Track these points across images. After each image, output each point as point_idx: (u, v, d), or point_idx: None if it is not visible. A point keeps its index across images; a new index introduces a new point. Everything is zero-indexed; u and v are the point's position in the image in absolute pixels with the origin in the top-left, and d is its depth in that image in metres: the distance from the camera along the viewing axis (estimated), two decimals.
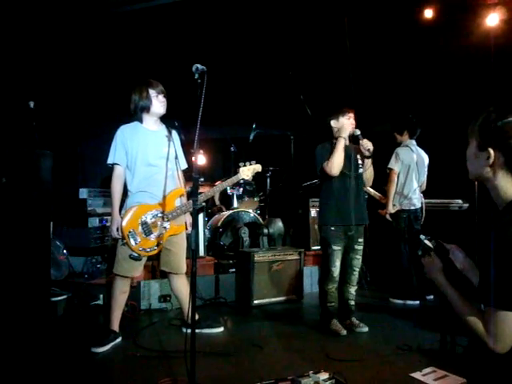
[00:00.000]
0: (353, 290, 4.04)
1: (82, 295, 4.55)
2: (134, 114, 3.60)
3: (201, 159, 6.49)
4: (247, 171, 3.77)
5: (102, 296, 4.61)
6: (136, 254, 3.47)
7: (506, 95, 4.81)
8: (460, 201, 6.04)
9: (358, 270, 4.02)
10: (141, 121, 3.61)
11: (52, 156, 4.00)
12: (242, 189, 5.97)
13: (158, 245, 3.53)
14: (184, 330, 3.78)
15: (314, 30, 5.31)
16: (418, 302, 4.90)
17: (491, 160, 1.48)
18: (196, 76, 2.67)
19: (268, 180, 6.36)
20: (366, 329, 3.94)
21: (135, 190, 3.53)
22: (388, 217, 5.00)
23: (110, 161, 3.56)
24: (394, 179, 4.93)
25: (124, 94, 6.04)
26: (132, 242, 3.45)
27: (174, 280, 3.77)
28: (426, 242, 1.80)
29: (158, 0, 4.36)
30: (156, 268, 4.69)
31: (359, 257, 3.99)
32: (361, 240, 3.98)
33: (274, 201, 6.30)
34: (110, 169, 3.60)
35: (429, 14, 4.98)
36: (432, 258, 1.74)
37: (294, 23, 5.15)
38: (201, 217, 5.15)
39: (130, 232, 3.44)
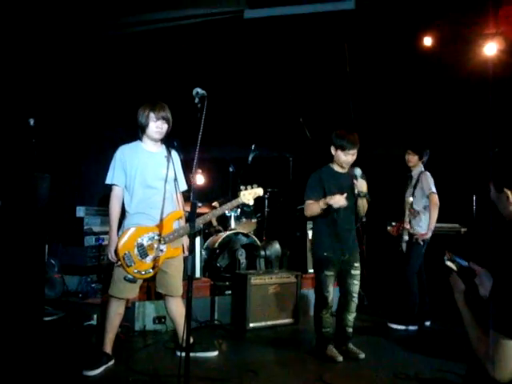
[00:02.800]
0: (351, 317, 3.94)
1: (76, 315, 4.50)
2: (138, 132, 3.60)
3: (199, 179, 6.49)
4: (248, 195, 3.68)
5: (95, 316, 4.55)
6: (131, 277, 3.43)
7: (504, 124, 4.85)
8: (457, 225, 6.05)
9: (356, 295, 3.94)
10: (141, 140, 3.60)
11: (49, 178, 3.99)
12: (239, 210, 5.95)
13: (153, 267, 3.48)
14: (178, 353, 3.71)
15: (314, 54, 5.36)
16: (416, 328, 4.85)
17: (511, 199, 1.53)
18: (196, 100, 2.68)
19: (266, 201, 6.34)
20: (362, 355, 3.85)
21: (133, 212, 3.51)
22: (420, 241, 4.84)
23: (108, 181, 3.54)
24: (438, 202, 4.78)
25: (124, 113, 6.09)
26: (127, 264, 3.40)
27: (170, 302, 3.71)
28: (449, 263, 1.79)
29: (164, 23, 4.41)
30: (151, 289, 4.65)
31: (357, 282, 3.91)
32: (357, 265, 3.90)
33: (271, 222, 6.27)
34: (108, 187, 3.59)
35: (428, 41, 5.04)
36: (454, 279, 1.74)
37: (294, 47, 5.20)
38: (197, 238, 5.12)
39: (125, 254, 3.40)
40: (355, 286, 3.90)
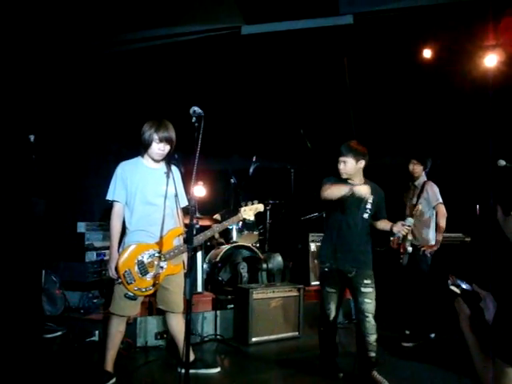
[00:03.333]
0: (370, 339, 3.61)
1: (78, 331, 4.48)
2: (140, 148, 3.58)
3: (200, 191, 6.48)
4: (249, 211, 3.72)
5: (97, 332, 4.52)
6: (131, 294, 3.42)
7: (505, 133, 4.84)
8: (461, 234, 6.01)
9: (370, 315, 3.61)
10: (142, 156, 3.60)
11: (44, 203, 4.01)
12: (241, 222, 5.94)
13: (154, 285, 3.46)
14: (179, 369, 3.69)
15: (313, 67, 5.37)
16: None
17: None
18: (193, 119, 2.67)
19: (268, 213, 6.33)
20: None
21: (133, 229, 3.49)
22: (428, 253, 4.78)
23: (109, 197, 3.53)
24: (445, 212, 4.74)
25: (124, 128, 6.10)
26: (127, 281, 3.39)
27: (171, 319, 3.69)
28: (453, 288, 1.76)
29: (162, 40, 4.43)
30: (153, 304, 4.63)
31: (369, 301, 3.61)
32: (368, 282, 3.62)
33: (273, 234, 6.25)
34: (109, 203, 3.58)
35: (427, 53, 5.03)
36: (459, 303, 1.71)
37: (293, 61, 5.21)
38: (199, 251, 5.11)
39: (125, 272, 3.39)
40: (367, 304, 3.61)
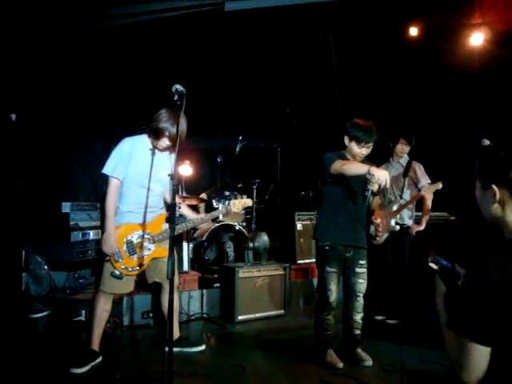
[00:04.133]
0: (358, 317, 3.62)
1: (64, 311, 4.48)
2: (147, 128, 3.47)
3: (187, 170, 6.45)
4: (238, 204, 3.77)
5: (84, 312, 4.53)
6: (118, 272, 3.44)
7: (490, 113, 4.84)
8: (446, 213, 6.06)
9: (361, 295, 3.62)
10: (149, 136, 3.48)
11: (24, 182, 3.97)
12: (227, 201, 5.92)
13: (140, 265, 3.50)
14: (166, 348, 3.72)
15: (299, 44, 5.31)
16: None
17: (497, 196, 1.47)
18: (175, 97, 2.64)
19: (254, 192, 6.32)
20: (370, 362, 3.57)
21: (125, 210, 3.48)
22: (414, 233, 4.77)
23: (108, 172, 3.39)
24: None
25: (107, 107, 6.03)
26: (115, 259, 3.42)
27: (164, 294, 3.67)
28: (431, 264, 1.78)
29: (145, 15, 4.35)
30: (140, 283, 4.64)
31: (362, 281, 3.60)
32: (363, 262, 3.60)
33: (260, 213, 6.26)
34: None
35: (414, 32, 5.00)
36: (436, 280, 1.73)
37: (278, 38, 5.15)
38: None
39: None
40: (361, 284, 3.60)
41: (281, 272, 5.10)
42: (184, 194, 5.86)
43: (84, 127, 5.99)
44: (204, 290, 4.90)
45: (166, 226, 3.53)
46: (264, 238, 5.76)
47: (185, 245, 5.10)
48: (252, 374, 3.42)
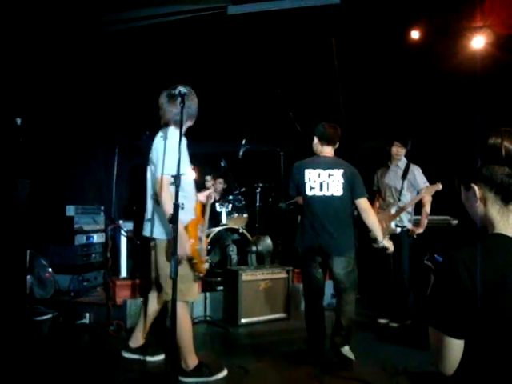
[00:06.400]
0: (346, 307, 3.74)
1: (68, 314, 4.51)
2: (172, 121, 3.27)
3: (191, 174, 6.47)
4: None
5: (87, 315, 4.56)
6: (198, 274, 3.31)
7: (492, 116, 4.84)
8: (448, 217, 6.05)
9: (345, 282, 3.70)
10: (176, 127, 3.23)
11: (29, 184, 3.99)
12: (231, 205, 5.96)
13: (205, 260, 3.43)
14: (125, 354, 3.60)
15: (301, 48, 5.33)
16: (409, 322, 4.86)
17: (478, 194, 1.48)
18: (178, 100, 2.66)
19: (258, 196, 6.35)
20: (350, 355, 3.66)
21: (189, 206, 3.26)
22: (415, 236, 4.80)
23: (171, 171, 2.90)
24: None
25: (112, 111, 6.06)
26: (201, 260, 3.29)
27: (153, 299, 3.58)
28: (427, 262, 1.81)
29: (148, 20, 4.39)
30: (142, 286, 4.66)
31: (341, 270, 3.68)
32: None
33: (263, 217, 6.28)
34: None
35: (415, 35, 5.02)
36: (431, 277, 1.75)
37: (281, 42, 5.17)
38: None
39: (198, 249, 3.28)
40: (341, 273, 3.71)
41: (284, 275, 5.11)
42: None
43: (88, 131, 6.02)
44: (207, 293, 4.92)
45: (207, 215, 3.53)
46: (267, 242, 5.77)
47: None
48: (254, 376, 3.43)
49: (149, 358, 3.62)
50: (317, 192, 3.74)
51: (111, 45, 4.94)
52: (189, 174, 3.32)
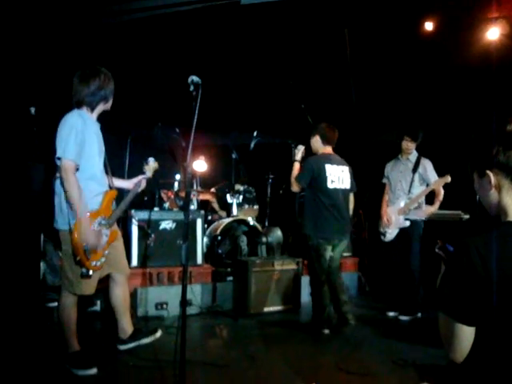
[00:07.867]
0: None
1: (79, 301, 4.54)
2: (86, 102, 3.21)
3: (202, 165, 6.51)
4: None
5: (99, 302, 4.60)
6: (85, 271, 2.99)
7: (507, 108, 4.79)
8: (460, 212, 6.01)
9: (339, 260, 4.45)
10: (86, 109, 3.23)
11: (43, 168, 4.01)
12: (241, 196, 5.97)
13: (103, 256, 3.10)
14: (121, 347, 3.51)
15: (314, 39, 5.31)
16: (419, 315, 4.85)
17: (493, 181, 1.46)
18: (191, 88, 2.67)
19: (268, 188, 6.35)
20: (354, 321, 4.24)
21: (91, 195, 3.06)
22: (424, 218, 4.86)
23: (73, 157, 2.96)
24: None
25: (124, 99, 6.07)
26: (87, 257, 2.96)
27: (117, 286, 3.42)
28: (438, 251, 1.80)
29: (160, 9, 4.40)
30: (153, 275, 4.70)
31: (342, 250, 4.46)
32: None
33: (273, 209, 6.28)
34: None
35: (429, 26, 4.98)
36: (442, 266, 1.73)
37: (293, 33, 5.16)
38: (199, 225, 5.16)
39: (85, 246, 2.95)
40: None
41: (293, 267, 5.12)
42: (199, 189, 5.93)
43: (100, 121, 6.04)
44: (217, 283, 4.95)
45: (114, 206, 3.26)
46: (277, 233, 5.79)
47: (199, 238, 5.14)
48: (262, 365, 3.45)
49: (144, 341, 3.54)
50: (337, 185, 4.22)
51: (125, 34, 4.96)
52: (98, 161, 3.16)
